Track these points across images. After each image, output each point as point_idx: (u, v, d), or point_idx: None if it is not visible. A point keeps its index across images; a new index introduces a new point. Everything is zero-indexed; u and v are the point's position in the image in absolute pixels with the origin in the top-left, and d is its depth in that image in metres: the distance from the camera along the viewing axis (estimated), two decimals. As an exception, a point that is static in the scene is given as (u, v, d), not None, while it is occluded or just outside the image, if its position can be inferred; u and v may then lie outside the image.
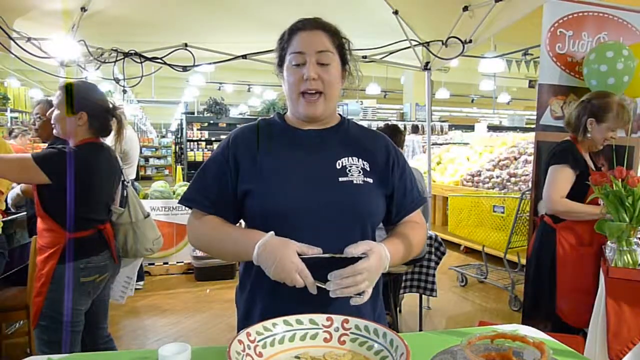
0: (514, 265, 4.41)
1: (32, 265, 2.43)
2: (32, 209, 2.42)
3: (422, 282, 3.28)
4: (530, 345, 0.82)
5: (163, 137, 19.92)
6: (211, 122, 9.99)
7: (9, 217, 2.77)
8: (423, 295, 3.40)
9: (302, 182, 1.10)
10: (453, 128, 10.44)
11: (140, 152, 11.30)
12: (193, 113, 11.54)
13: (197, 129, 10.07)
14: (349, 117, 1.44)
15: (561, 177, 2.19)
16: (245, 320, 1.16)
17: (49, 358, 0.98)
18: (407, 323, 3.64)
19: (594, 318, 1.90)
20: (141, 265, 4.47)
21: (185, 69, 4.14)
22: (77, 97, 1.91)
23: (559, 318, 2.25)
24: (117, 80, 4.36)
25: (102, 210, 2.05)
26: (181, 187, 5.23)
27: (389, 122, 6.68)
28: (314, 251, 1.00)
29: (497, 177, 5.56)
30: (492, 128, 10.95)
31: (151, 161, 16.52)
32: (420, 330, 3.38)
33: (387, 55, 4.21)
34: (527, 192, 4.28)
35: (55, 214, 1.89)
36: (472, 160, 6.63)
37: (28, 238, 2.86)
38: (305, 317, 0.93)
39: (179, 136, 13.41)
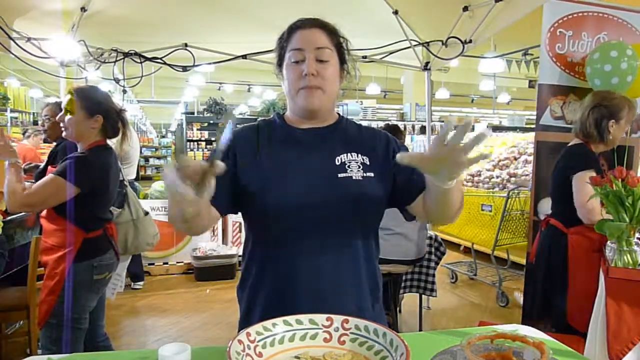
0: (503, 262, 4.55)
1: (33, 265, 2.45)
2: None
3: (422, 282, 3.28)
4: (530, 345, 0.82)
5: (163, 137, 19.92)
6: (211, 122, 10.00)
7: (9, 217, 2.78)
8: (423, 295, 3.40)
9: (301, 179, 1.11)
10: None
11: (140, 152, 11.29)
12: (193, 113, 11.55)
13: (197, 129, 10.08)
14: (349, 117, 1.43)
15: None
16: (246, 319, 1.16)
17: (49, 358, 0.98)
18: (407, 323, 3.64)
19: (594, 318, 1.90)
20: (141, 265, 4.49)
21: (185, 69, 4.14)
22: (94, 100, 2.01)
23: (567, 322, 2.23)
24: (117, 80, 4.36)
25: (109, 209, 2.16)
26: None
27: (389, 122, 6.69)
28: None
29: (497, 177, 5.56)
30: (492, 128, 10.95)
31: (151, 161, 16.49)
32: (420, 330, 3.38)
33: (387, 55, 4.21)
34: (513, 191, 4.37)
35: (72, 215, 1.93)
36: (472, 160, 6.62)
37: (28, 238, 2.87)
38: (305, 317, 0.93)
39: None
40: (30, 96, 10.13)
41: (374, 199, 1.14)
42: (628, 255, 1.81)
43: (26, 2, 3.22)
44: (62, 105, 2.00)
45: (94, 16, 3.42)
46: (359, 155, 1.16)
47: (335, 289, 1.11)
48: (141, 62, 3.94)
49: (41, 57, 3.58)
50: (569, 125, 2.78)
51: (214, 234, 5.01)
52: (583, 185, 2.12)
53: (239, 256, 4.70)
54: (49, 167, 2.18)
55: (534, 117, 2.89)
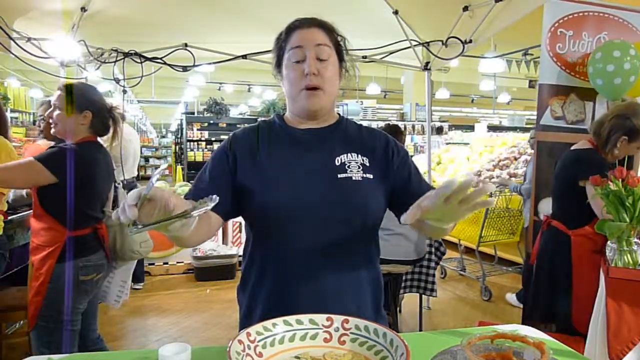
0: (491, 258, 4.88)
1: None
2: None
3: (422, 282, 3.28)
4: (530, 345, 0.82)
5: (163, 137, 19.93)
6: (211, 122, 10.00)
7: (10, 217, 2.77)
8: (423, 295, 3.40)
9: (301, 179, 1.11)
10: (453, 128, 10.44)
11: (140, 152, 11.31)
12: (193, 113, 11.55)
13: (197, 129, 10.08)
14: (349, 117, 1.43)
15: None
16: (246, 319, 1.16)
17: (49, 358, 0.98)
18: (407, 323, 3.64)
19: (594, 318, 1.90)
20: (142, 265, 4.48)
21: (185, 69, 4.14)
22: (82, 96, 1.97)
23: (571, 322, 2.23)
24: (117, 80, 4.35)
25: (98, 208, 2.09)
26: (181, 187, 5.23)
27: (389, 122, 6.69)
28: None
29: (497, 177, 5.56)
30: (492, 128, 10.95)
31: (151, 161, 16.51)
32: (420, 330, 3.38)
33: (387, 55, 4.21)
34: (497, 190, 4.60)
35: (55, 212, 1.90)
36: (472, 160, 6.64)
37: (28, 238, 2.86)
38: (305, 317, 0.93)
39: (179, 136, 13.41)
40: (31, 96, 10.13)
41: (374, 200, 1.14)
42: (628, 255, 1.81)
43: (26, 2, 3.21)
44: (52, 102, 1.99)
45: (94, 16, 3.42)
46: (359, 155, 1.16)
47: (336, 289, 1.11)
48: (141, 62, 3.93)
49: (41, 57, 3.57)
50: (569, 125, 2.78)
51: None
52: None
53: (239, 256, 4.70)
54: None
55: (534, 117, 2.88)
